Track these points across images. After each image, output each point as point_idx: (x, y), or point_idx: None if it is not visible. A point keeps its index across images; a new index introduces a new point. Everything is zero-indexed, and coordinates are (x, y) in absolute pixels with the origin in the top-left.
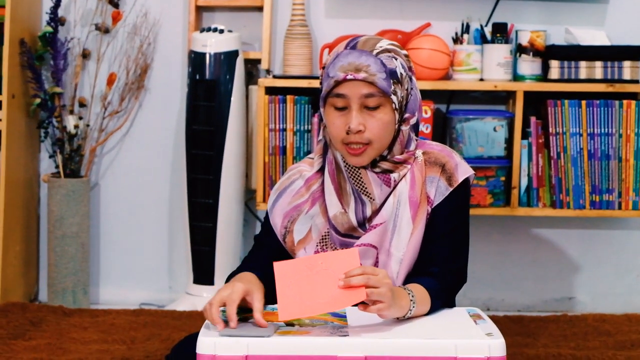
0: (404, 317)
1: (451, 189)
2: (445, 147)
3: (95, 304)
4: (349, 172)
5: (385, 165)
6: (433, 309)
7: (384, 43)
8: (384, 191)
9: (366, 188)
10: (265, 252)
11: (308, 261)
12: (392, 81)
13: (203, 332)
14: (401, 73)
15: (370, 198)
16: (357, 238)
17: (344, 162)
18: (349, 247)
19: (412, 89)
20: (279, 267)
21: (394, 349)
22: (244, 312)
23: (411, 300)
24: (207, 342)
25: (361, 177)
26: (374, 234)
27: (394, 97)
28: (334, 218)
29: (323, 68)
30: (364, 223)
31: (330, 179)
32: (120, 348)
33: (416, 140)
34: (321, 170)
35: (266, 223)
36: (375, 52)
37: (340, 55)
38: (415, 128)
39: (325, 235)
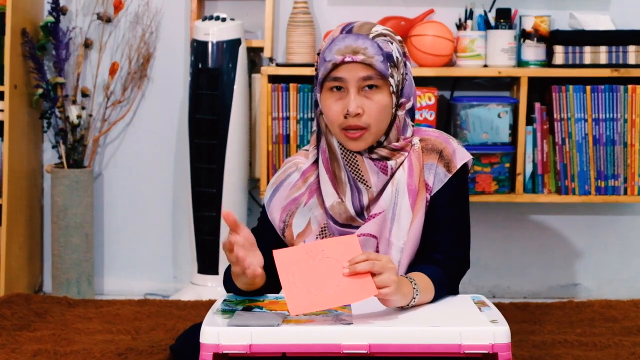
0: (407, 305)
1: (450, 175)
2: (442, 133)
3: (99, 295)
4: (346, 159)
5: (382, 151)
6: (437, 297)
7: (379, 28)
8: (381, 179)
9: (362, 175)
10: (263, 246)
11: (308, 248)
12: (389, 64)
13: (207, 322)
14: (397, 57)
15: (367, 186)
16: (356, 228)
17: (341, 148)
18: None
19: (406, 74)
20: (279, 254)
21: (398, 337)
22: (249, 302)
23: (414, 289)
24: (210, 331)
25: (358, 164)
26: (373, 224)
27: (391, 80)
28: (331, 208)
29: (318, 54)
30: (362, 212)
31: (324, 168)
32: (124, 338)
33: (412, 126)
34: (317, 162)
35: (263, 217)
36: (371, 35)
37: (336, 39)
38: (411, 115)
39: (324, 227)
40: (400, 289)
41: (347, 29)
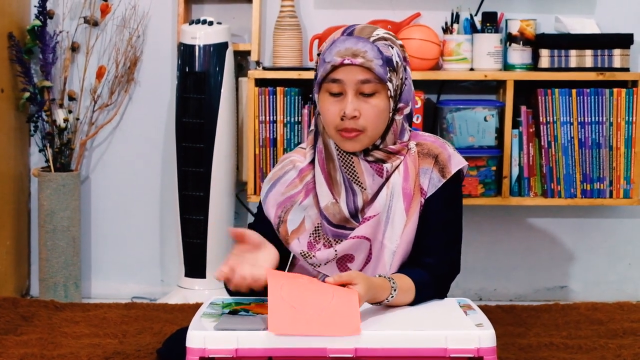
0: (384, 301)
1: (444, 181)
2: (438, 138)
3: (87, 298)
4: (342, 160)
5: (378, 154)
6: (421, 299)
7: (381, 31)
8: (376, 181)
9: (358, 177)
10: None
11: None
12: (388, 68)
13: (193, 326)
14: (397, 61)
15: (362, 187)
16: (350, 229)
17: (337, 149)
18: (342, 239)
19: (406, 79)
20: (271, 272)
21: (384, 341)
22: (235, 305)
23: (392, 287)
24: (197, 335)
25: (353, 166)
26: (367, 226)
27: (389, 85)
28: (326, 209)
29: (319, 55)
30: (357, 214)
31: (320, 168)
32: (111, 342)
33: (410, 131)
34: (313, 161)
35: (259, 212)
36: (372, 39)
37: (337, 41)
38: (409, 119)
39: (318, 227)
40: (371, 282)
41: (349, 32)
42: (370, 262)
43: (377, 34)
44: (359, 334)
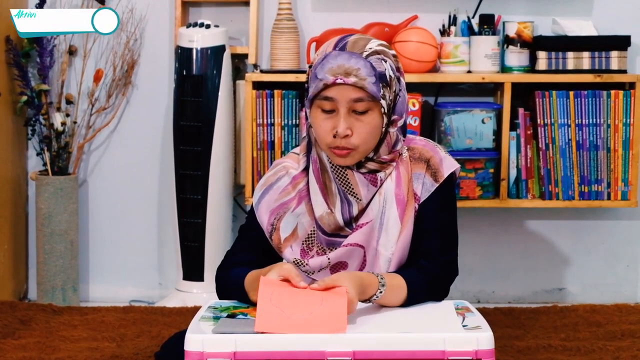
0: (372, 297)
1: (437, 185)
2: (429, 141)
3: (85, 302)
4: (335, 173)
5: (372, 165)
6: (415, 300)
7: (373, 44)
8: (371, 191)
9: (353, 189)
10: (253, 245)
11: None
12: (381, 85)
13: (191, 329)
14: (390, 76)
15: (357, 198)
16: (344, 237)
17: (330, 162)
18: (336, 246)
19: (400, 90)
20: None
21: (382, 344)
22: (233, 309)
23: (379, 282)
24: (195, 339)
25: (347, 178)
26: (360, 233)
27: (382, 102)
28: (320, 218)
29: (310, 67)
30: (351, 222)
31: (315, 178)
32: (109, 346)
33: (403, 140)
34: (306, 169)
35: (251, 218)
36: (365, 54)
37: (329, 56)
38: (403, 129)
39: (311, 234)
40: (358, 279)
41: (341, 46)
42: (364, 269)
43: (370, 48)
44: (344, 332)
